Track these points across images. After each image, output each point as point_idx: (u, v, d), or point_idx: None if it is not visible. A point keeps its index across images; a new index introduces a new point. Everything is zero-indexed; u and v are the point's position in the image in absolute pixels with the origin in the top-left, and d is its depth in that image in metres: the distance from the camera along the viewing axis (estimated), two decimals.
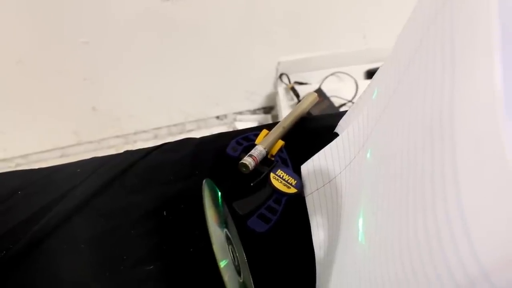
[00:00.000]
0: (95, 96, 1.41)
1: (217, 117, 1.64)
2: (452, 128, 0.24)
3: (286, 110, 1.40)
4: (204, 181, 0.46)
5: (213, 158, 0.60)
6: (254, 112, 1.65)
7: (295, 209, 0.54)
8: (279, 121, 0.63)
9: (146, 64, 1.35)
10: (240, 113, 1.64)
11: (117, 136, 1.58)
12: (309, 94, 0.69)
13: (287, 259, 0.51)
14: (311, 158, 0.55)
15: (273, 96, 1.59)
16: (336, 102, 1.40)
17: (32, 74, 1.24)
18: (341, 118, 0.61)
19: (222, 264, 0.40)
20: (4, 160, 1.50)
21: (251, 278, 0.49)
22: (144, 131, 1.59)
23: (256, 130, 0.62)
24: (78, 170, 0.62)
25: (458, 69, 0.26)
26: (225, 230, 0.47)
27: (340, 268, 0.42)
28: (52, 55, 1.21)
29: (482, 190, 0.20)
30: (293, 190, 0.54)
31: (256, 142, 0.59)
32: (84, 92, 1.37)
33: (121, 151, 0.65)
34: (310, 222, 0.52)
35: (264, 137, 0.59)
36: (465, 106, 0.24)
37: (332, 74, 1.48)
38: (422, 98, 0.30)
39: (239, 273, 0.45)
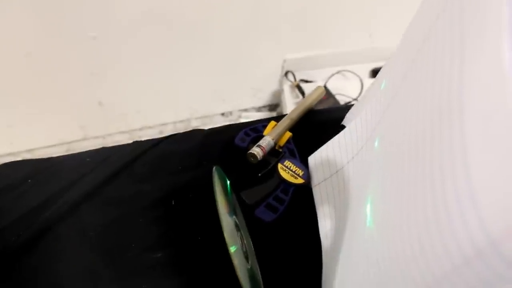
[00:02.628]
0: (101, 91, 1.41)
1: (223, 114, 1.64)
2: (461, 109, 0.25)
3: (291, 108, 1.40)
4: (214, 168, 0.47)
5: (221, 148, 0.61)
6: (259, 109, 1.65)
7: (302, 199, 0.55)
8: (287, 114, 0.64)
9: (153, 60, 1.35)
10: (246, 110, 1.64)
11: (123, 132, 1.58)
12: (317, 88, 0.69)
13: (293, 249, 0.51)
14: (318, 149, 0.56)
15: (278, 94, 1.59)
16: (341, 100, 1.40)
17: (40, 67, 1.25)
18: (348, 111, 0.61)
19: (232, 249, 0.41)
20: (10, 154, 1.51)
21: (258, 266, 0.50)
22: (150, 127, 1.60)
23: (264, 122, 0.63)
24: (88, 159, 0.63)
25: (467, 53, 0.26)
26: (234, 217, 0.47)
27: (347, 256, 0.43)
28: (60, 49, 1.22)
29: (491, 161, 0.21)
30: (300, 181, 0.55)
31: (264, 133, 0.60)
32: (91, 87, 1.38)
33: None
34: (317, 212, 0.53)
35: (272, 128, 0.60)
36: (474, 85, 0.24)
37: (337, 72, 1.48)
38: (431, 83, 0.30)
39: (247, 259, 0.46)
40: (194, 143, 0.63)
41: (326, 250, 0.49)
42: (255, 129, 0.61)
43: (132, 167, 0.61)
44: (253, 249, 0.51)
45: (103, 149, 0.65)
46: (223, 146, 0.61)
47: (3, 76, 1.24)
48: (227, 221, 0.44)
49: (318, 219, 0.52)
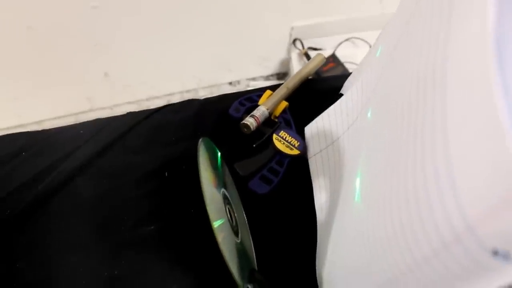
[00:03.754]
0: (107, 61, 1.40)
1: (230, 83, 1.62)
2: (444, 76, 0.23)
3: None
4: (200, 139, 0.46)
5: (215, 119, 0.59)
6: (267, 78, 1.62)
7: (298, 171, 0.53)
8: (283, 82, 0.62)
9: (157, 29, 1.33)
10: (253, 79, 1.62)
11: (130, 102, 1.57)
12: (316, 55, 0.67)
13: (288, 221, 0.50)
14: (314, 120, 0.54)
15: (286, 62, 1.56)
16: (351, 68, 1.37)
17: (43, 39, 1.23)
18: (347, 79, 0.59)
19: (216, 224, 0.39)
20: (19, 126, 1.51)
21: (251, 239, 0.49)
22: (157, 97, 1.58)
23: (260, 91, 0.61)
24: (81, 131, 0.62)
25: (453, 18, 0.24)
26: (223, 190, 0.46)
27: (338, 230, 0.41)
28: (61, 20, 1.20)
29: (470, 138, 0.19)
30: (295, 152, 0.53)
31: (259, 103, 0.58)
32: (96, 58, 1.36)
33: None
34: (313, 184, 0.51)
35: (268, 97, 0.58)
36: (457, 53, 0.22)
37: (346, 40, 1.44)
38: (419, 50, 0.28)
39: (236, 234, 0.44)
40: (188, 113, 0.61)
41: (320, 223, 0.48)
42: (249, 99, 0.59)
43: (125, 139, 0.60)
44: (246, 222, 0.50)
45: (97, 121, 0.64)
46: (218, 116, 0.59)
47: (6, 50, 1.23)
48: (212, 195, 0.43)
49: (314, 191, 0.51)
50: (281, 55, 1.55)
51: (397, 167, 0.27)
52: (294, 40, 1.46)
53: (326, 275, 0.43)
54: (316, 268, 0.46)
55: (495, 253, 0.18)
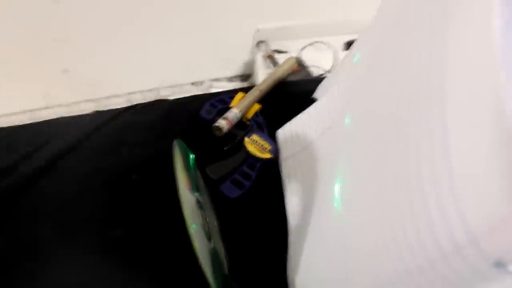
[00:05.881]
0: (66, 58, 1.35)
1: (193, 83, 1.60)
2: (442, 81, 0.22)
3: (263, 78, 1.38)
4: (175, 141, 0.44)
5: (186, 120, 0.58)
6: (230, 79, 1.61)
7: (270, 175, 0.53)
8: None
9: (119, 27, 1.29)
10: (217, 80, 1.60)
11: (89, 100, 1.53)
12: (289, 58, 0.67)
13: (260, 226, 0.49)
14: (287, 123, 0.54)
15: (250, 64, 1.56)
16: (315, 72, 1.38)
17: None
18: (320, 83, 0.59)
19: (192, 229, 0.38)
20: None
21: (222, 246, 0.48)
22: (117, 96, 1.55)
23: (232, 93, 0.60)
24: (44, 130, 0.59)
25: (451, 22, 0.24)
26: (196, 194, 0.45)
27: (313, 236, 0.41)
28: (19, 14, 1.15)
29: (474, 145, 0.18)
30: (267, 155, 0.52)
31: (231, 105, 0.57)
32: (55, 54, 1.31)
33: None
34: (285, 188, 0.51)
35: (240, 100, 0.57)
36: (458, 56, 0.22)
37: (311, 44, 1.45)
38: (409, 53, 0.28)
39: (209, 239, 0.43)
40: (157, 114, 0.59)
41: (293, 228, 0.47)
42: (221, 101, 0.58)
43: (92, 139, 0.58)
44: (217, 227, 0.49)
45: (61, 119, 0.61)
46: (188, 118, 0.58)
47: None
48: (188, 199, 0.41)
49: (286, 195, 0.50)
50: (245, 56, 1.54)
51: (386, 173, 0.26)
52: (259, 42, 1.45)
53: (300, 280, 0.42)
54: (288, 273, 0.45)
55: (499, 264, 0.17)
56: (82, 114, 0.62)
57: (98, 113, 0.61)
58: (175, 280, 0.45)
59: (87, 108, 1.52)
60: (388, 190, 0.26)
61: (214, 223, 0.48)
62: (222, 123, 0.52)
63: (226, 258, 0.47)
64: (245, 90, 0.60)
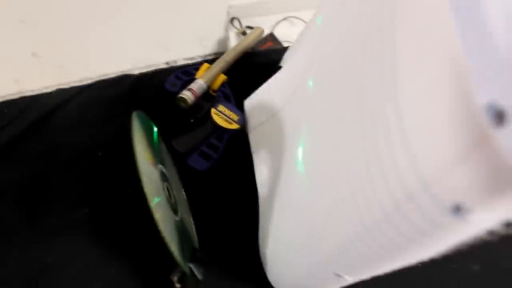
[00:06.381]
0: (34, 40, 1.31)
1: (167, 63, 1.57)
2: (393, 27, 0.21)
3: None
4: (133, 113, 0.43)
5: (151, 94, 0.56)
6: (205, 57, 1.59)
7: (238, 146, 0.52)
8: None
9: (90, 6, 1.26)
10: (191, 59, 1.58)
11: (62, 84, 1.49)
12: (255, 28, 0.65)
13: (230, 198, 0.49)
14: (254, 92, 0.52)
15: (224, 42, 1.53)
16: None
17: None
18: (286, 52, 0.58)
19: (153, 202, 0.37)
20: None
21: (191, 217, 0.47)
22: (91, 79, 1.51)
23: (197, 65, 0.58)
24: (5, 110, 0.57)
25: None
26: (160, 167, 0.44)
27: (282, 204, 0.40)
28: None
29: (423, 87, 0.18)
30: (235, 126, 0.51)
31: (196, 76, 0.55)
32: (22, 36, 1.28)
33: None
34: (253, 159, 0.50)
35: (205, 71, 0.55)
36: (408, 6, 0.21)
37: (284, 19, 1.43)
38: (363, 11, 0.27)
39: (175, 212, 0.42)
40: (122, 89, 0.58)
41: (262, 199, 0.46)
42: (186, 72, 0.57)
43: (54, 117, 0.56)
44: (186, 200, 0.48)
45: (23, 98, 0.59)
46: (154, 92, 0.56)
47: None
48: (149, 172, 0.40)
49: (255, 166, 0.49)
50: (219, 34, 1.52)
51: (342, 130, 0.26)
52: (232, 19, 1.43)
53: (270, 252, 0.42)
54: (259, 245, 0.45)
55: (456, 210, 0.17)
56: (43, 93, 0.60)
57: (60, 91, 0.59)
58: (144, 254, 0.44)
59: None
60: (344, 145, 0.25)
61: (181, 195, 0.47)
62: (187, 94, 0.51)
63: (195, 231, 0.46)
64: (211, 62, 0.58)
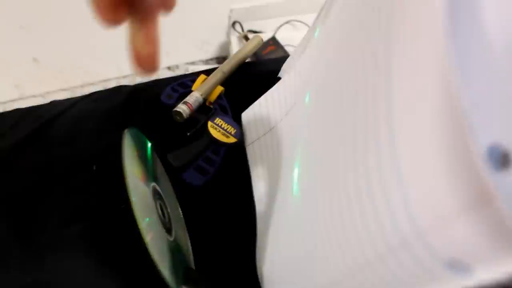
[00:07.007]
0: (35, 46, 1.31)
1: (169, 68, 1.56)
2: (388, 59, 0.20)
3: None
4: (125, 131, 0.41)
5: (146, 106, 0.55)
6: (207, 62, 1.58)
7: (235, 160, 0.50)
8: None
9: (89, 11, 1.25)
10: (193, 63, 1.57)
11: (63, 89, 1.49)
12: (254, 37, 0.64)
13: (227, 214, 0.47)
14: (252, 105, 0.51)
15: (226, 46, 1.52)
16: (291, 51, 1.35)
17: None
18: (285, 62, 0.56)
19: (143, 223, 0.36)
20: None
21: (187, 235, 0.46)
22: (92, 84, 1.51)
23: (193, 76, 0.57)
24: None
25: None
26: (153, 184, 0.42)
27: (277, 225, 0.39)
28: None
29: (420, 132, 0.16)
30: (232, 140, 0.50)
31: (192, 89, 0.54)
32: (23, 42, 1.28)
33: None
34: (251, 174, 0.48)
35: (202, 83, 0.54)
36: (404, 31, 0.19)
37: (287, 23, 1.42)
38: (360, 31, 0.26)
39: (168, 231, 0.41)
40: (117, 101, 0.57)
41: (260, 216, 0.45)
42: (182, 84, 0.55)
43: (49, 130, 0.55)
44: (181, 217, 0.47)
45: (17, 110, 0.58)
46: (149, 104, 0.55)
47: None
48: (140, 191, 0.39)
49: (252, 181, 0.48)
50: (221, 38, 1.51)
51: (336, 158, 0.24)
52: (234, 23, 1.42)
53: (267, 271, 0.41)
54: (257, 263, 0.43)
55: (451, 265, 0.15)
56: (39, 104, 0.59)
57: (55, 103, 0.58)
58: (137, 275, 0.43)
59: (62, 97, 1.48)
60: (336, 176, 0.23)
61: (177, 213, 0.46)
62: (183, 108, 0.50)
63: (191, 249, 0.45)
64: (208, 72, 0.57)
